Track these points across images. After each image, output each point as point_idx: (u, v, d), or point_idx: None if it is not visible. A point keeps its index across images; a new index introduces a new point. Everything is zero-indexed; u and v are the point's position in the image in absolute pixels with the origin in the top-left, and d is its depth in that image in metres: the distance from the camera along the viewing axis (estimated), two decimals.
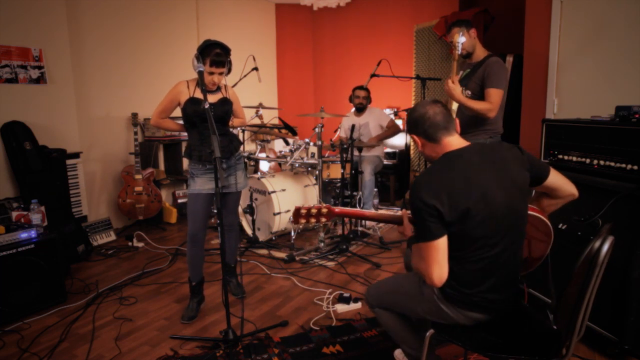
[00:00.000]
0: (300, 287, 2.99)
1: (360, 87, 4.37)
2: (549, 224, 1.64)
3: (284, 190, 3.75)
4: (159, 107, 2.57)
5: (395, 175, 5.21)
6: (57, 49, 3.75)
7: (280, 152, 4.46)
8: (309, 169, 4.12)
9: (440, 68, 4.74)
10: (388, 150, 5.18)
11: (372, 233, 4.04)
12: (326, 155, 4.35)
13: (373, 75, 3.92)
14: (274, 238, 3.91)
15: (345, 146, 3.72)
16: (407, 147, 5.15)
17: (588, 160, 2.22)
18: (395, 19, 5.63)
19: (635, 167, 1.97)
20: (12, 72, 3.49)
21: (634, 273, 1.90)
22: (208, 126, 2.11)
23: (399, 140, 5.15)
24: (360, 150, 4.11)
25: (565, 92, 3.13)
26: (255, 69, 4.15)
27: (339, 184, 4.14)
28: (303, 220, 1.86)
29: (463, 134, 1.83)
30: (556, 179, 1.58)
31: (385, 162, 4.74)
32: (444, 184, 1.40)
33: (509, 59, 3.80)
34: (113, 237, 4.05)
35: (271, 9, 6.33)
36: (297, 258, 3.49)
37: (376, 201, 4.34)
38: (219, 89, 2.57)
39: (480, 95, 2.66)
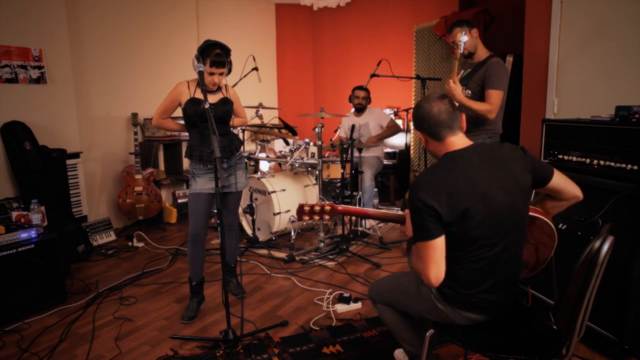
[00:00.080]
0: (300, 287, 2.99)
1: (360, 87, 4.35)
2: (553, 227, 1.64)
3: (284, 190, 3.75)
4: (160, 108, 2.58)
5: (395, 175, 5.20)
6: (57, 49, 3.75)
7: (280, 152, 4.47)
8: (309, 169, 4.12)
9: (440, 68, 4.74)
10: (388, 150, 5.17)
11: (372, 233, 4.04)
12: (326, 155, 4.34)
13: (373, 75, 3.91)
14: (274, 238, 3.92)
15: (345, 146, 3.72)
16: (407, 147, 5.15)
17: (588, 160, 2.23)
18: (395, 19, 5.63)
19: (635, 167, 1.97)
20: (12, 72, 3.49)
21: (634, 273, 1.90)
22: (208, 126, 2.11)
23: (399, 140, 5.15)
24: (360, 151, 4.11)
25: (565, 92, 3.13)
26: (255, 69, 4.15)
27: (339, 184, 4.14)
28: (307, 217, 1.89)
29: None
30: (560, 180, 1.57)
31: (385, 162, 4.74)
32: (444, 185, 1.40)
33: (509, 59, 3.80)
34: (113, 237, 4.05)
35: (271, 9, 6.33)
36: (297, 258, 3.49)
37: (376, 201, 4.34)
38: (219, 89, 2.57)
39: (480, 96, 2.66)
